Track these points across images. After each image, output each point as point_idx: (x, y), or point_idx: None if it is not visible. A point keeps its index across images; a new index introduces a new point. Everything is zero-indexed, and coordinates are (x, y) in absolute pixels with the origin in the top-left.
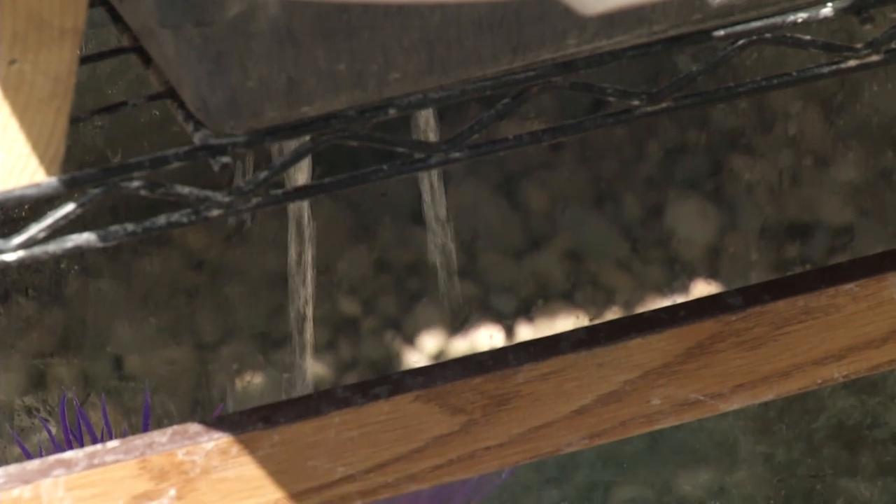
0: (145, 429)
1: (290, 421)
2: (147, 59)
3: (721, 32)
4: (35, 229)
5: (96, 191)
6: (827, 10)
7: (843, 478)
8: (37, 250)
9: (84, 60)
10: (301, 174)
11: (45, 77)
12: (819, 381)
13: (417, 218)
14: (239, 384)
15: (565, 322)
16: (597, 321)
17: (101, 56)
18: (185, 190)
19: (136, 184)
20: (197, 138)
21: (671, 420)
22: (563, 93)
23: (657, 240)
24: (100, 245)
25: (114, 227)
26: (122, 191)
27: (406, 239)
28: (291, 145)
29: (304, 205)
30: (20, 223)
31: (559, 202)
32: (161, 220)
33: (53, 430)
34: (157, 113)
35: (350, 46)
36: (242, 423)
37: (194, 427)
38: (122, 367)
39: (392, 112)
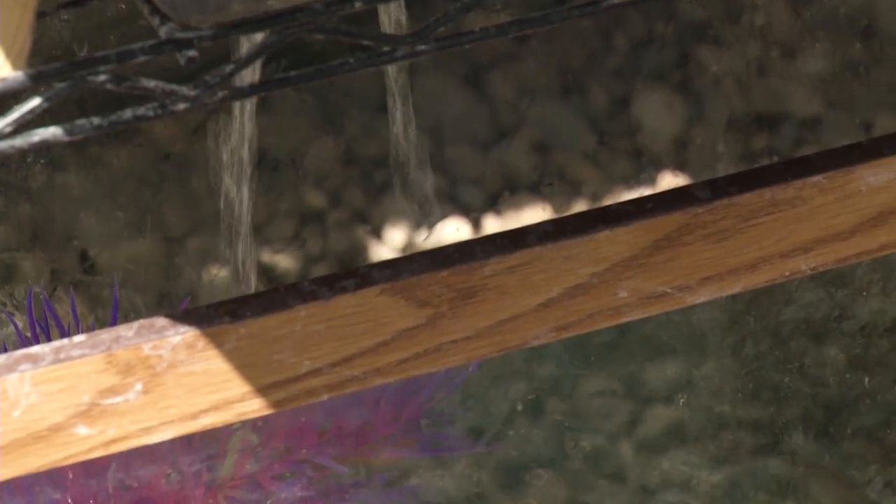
0: (114, 322)
1: (257, 315)
2: None
3: None
4: (1, 124)
5: (62, 85)
6: None
7: (811, 370)
8: (3, 144)
9: None
10: (250, 74)
11: None
12: (786, 274)
13: (384, 110)
14: (205, 277)
15: (532, 215)
16: (564, 214)
17: None
18: (152, 83)
19: (102, 78)
20: (163, 32)
21: (638, 313)
22: None
23: (624, 132)
24: (66, 139)
25: (80, 121)
26: (89, 85)
27: (372, 131)
28: (257, 39)
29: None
30: None
31: (526, 94)
32: (127, 113)
33: (20, 325)
34: (124, 7)
35: None
36: (209, 316)
37: (161, 321)
38: (89, 260)
39: (358, 5)
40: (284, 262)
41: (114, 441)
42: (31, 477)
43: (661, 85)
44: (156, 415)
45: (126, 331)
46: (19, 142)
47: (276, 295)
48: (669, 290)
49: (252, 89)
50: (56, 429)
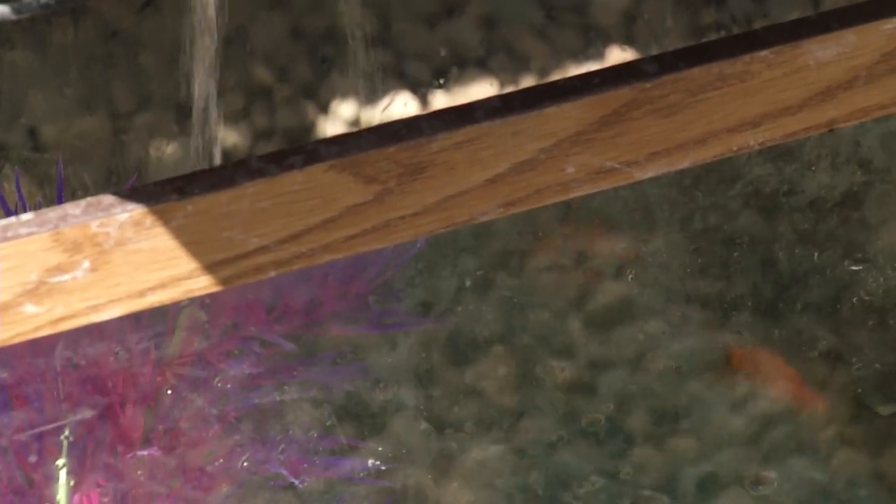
0: (59, 201)
1: (204, 192)
2: None
3: None
4: None
5: None
6: None
7: (760, 245)
8: None
9: None
10: None
11: None
12: (735, 149)
13: None
14: (154, 154)
15: (480, 90)
16: (511, 89)
17: None
18: None
19: None
20: None
21: (586, 188)
22: None
23: (572, 6)
24: (13, 18)
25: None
26: None
27: (320, 6)
28: None
29: None
30: None
31: None
32: None
33: None
34: None
35: None
36: (156, 194)
37: (108, 199)
38: (36, 138)
39: None
40: (232, 138)
41: (61, 319)
42: None
43: None
44: (103, 293)
45: (73, 208)
46: None
47: (223, 172)
48: (617, 166)
49: None
50: (3, 307)
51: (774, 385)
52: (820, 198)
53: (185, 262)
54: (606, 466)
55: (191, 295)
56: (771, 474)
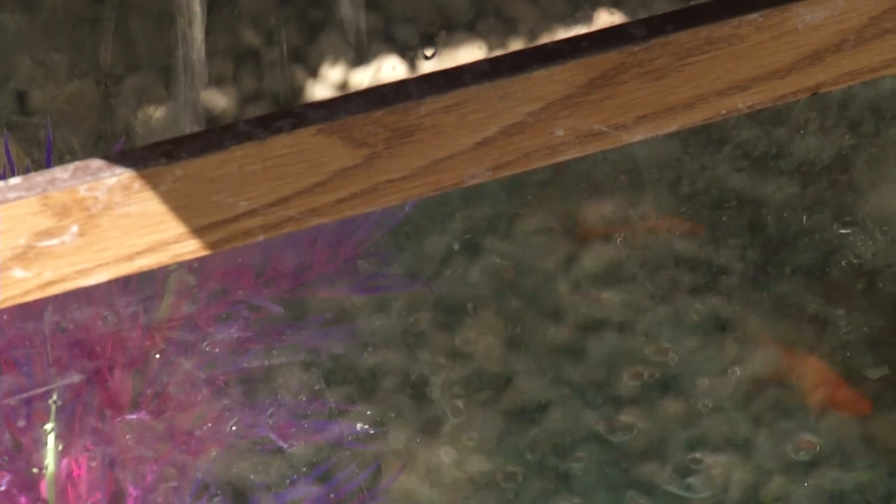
0: (48, 164)
1: (193, 155)
2: None
3: None
4: None
5: None
6: None
7: (749, 208)
8: None
9: None
10: None
11: None
12: (723, 112)
13: None
14: (142, 118)
15: (468, 53)
16: (500, 52)
17: None
18: None
19: None
20: None
21: (575, 151)
22: None
23: None
24: None
25: None
26: None
27: None
28: None
29: None
30: None
31: None
32: None
33: None
34: None
35: None
36: (145, 158)
37: (96, 163)
38: (24, 102)
39: None
40: (221, 101)
41: (50, 283)
42: None
43: None
44: (92, 257)
45: (62, 173)
46: None
47: (211, 135)
48: (606, 129)
49: None
50: None
51: (816, 392)
52: (808, 161)
53: (173, 226)
54: (595, 429)
55: (179, 259)
56: (760, 438)
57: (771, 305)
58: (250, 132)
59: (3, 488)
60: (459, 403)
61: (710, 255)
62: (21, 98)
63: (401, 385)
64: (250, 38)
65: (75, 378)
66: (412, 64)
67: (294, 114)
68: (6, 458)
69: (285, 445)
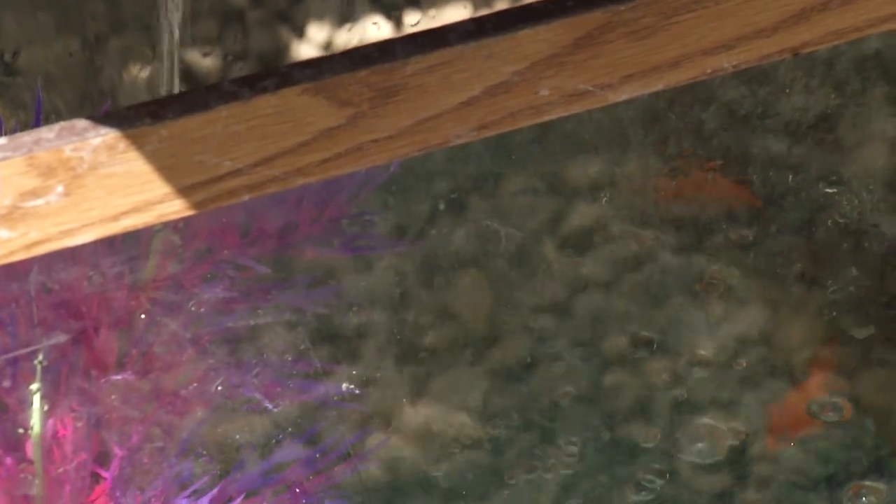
0: (37, 125)
1: (177, 116)
2: None
3: None
4: None
5: None
6: None
7: (734, 167)
8: None
9: None
10: None
11: None
12: (709, 71)
13: None
14: (127, 78)
15: (453, 13)
16: (485, 12)
17: None
18: None
19: None
20: None
21: (560, 111)
22: None
23: None
24: None
25: None
26: None
27: None
28: None
29: None
30: None
31: None
32: None
33: None
34: None
35: None
36: (130, 118)
37: (81, 123)
38: (9, 62)
39: None
40: (206, 62)
41: (35, 244)
42: None
43: None
44: (77, 217)
45: (47, 133)
46: None
47: (196, 95)
48: (591, 89)
49: None
50: None
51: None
52: (794, 120)
53: (158, 186)
54: (581, 389)
55: (164, 219)
56: (747, 397)
57: (757, 265)
58: (235, 92)
59: None
60: (445, 363)
61: (695, 215)
62: (5, 58)
63: (386, 345)
64: None
65: (61, 338)
66: (398, 24)
67: (279, 73)
68: None
69: (271, 405)
